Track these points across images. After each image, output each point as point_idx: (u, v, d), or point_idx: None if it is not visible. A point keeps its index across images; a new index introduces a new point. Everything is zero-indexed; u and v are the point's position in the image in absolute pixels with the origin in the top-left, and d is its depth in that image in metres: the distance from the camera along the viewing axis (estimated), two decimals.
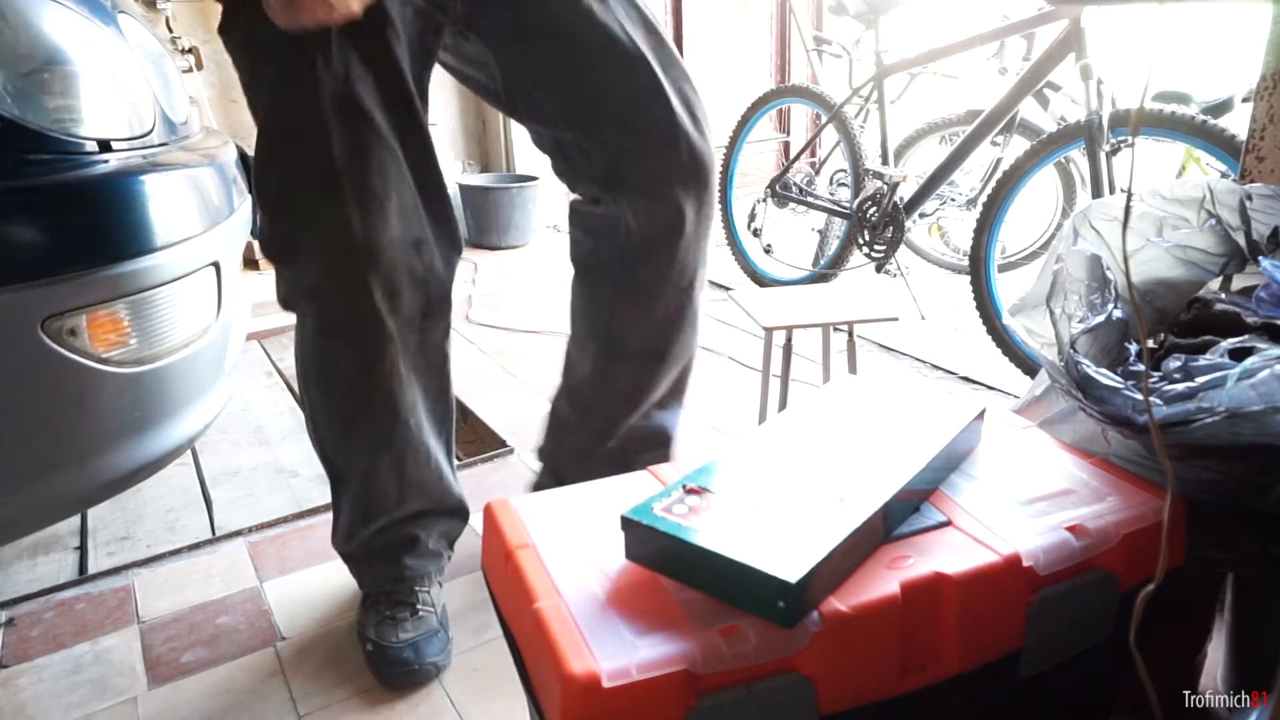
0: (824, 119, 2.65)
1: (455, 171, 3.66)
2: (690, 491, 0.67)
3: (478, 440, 1.82)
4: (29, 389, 0.88)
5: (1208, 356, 0.77)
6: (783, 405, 1.57)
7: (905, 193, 2.41)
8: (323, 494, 1.52)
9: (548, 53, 1.03)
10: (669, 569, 0.64)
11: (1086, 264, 0.87)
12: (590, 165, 1.07)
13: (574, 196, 1.14)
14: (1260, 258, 0.86)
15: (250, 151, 1.37)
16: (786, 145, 4.07)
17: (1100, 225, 0.93)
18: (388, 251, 0.97)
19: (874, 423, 0.80)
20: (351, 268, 0.97)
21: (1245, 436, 0.66)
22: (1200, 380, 0.71)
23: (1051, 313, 0.86)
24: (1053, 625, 0.68)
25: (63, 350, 0.87)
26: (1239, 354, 0.76)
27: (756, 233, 2.85)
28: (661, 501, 0.66)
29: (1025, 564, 0.65)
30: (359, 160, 0.94)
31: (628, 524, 0.65)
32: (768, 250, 2.87)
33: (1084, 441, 0.85)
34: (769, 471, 0.72)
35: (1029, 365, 1.91)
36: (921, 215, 2.57)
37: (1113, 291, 0.85)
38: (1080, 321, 0.83)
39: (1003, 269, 2.45)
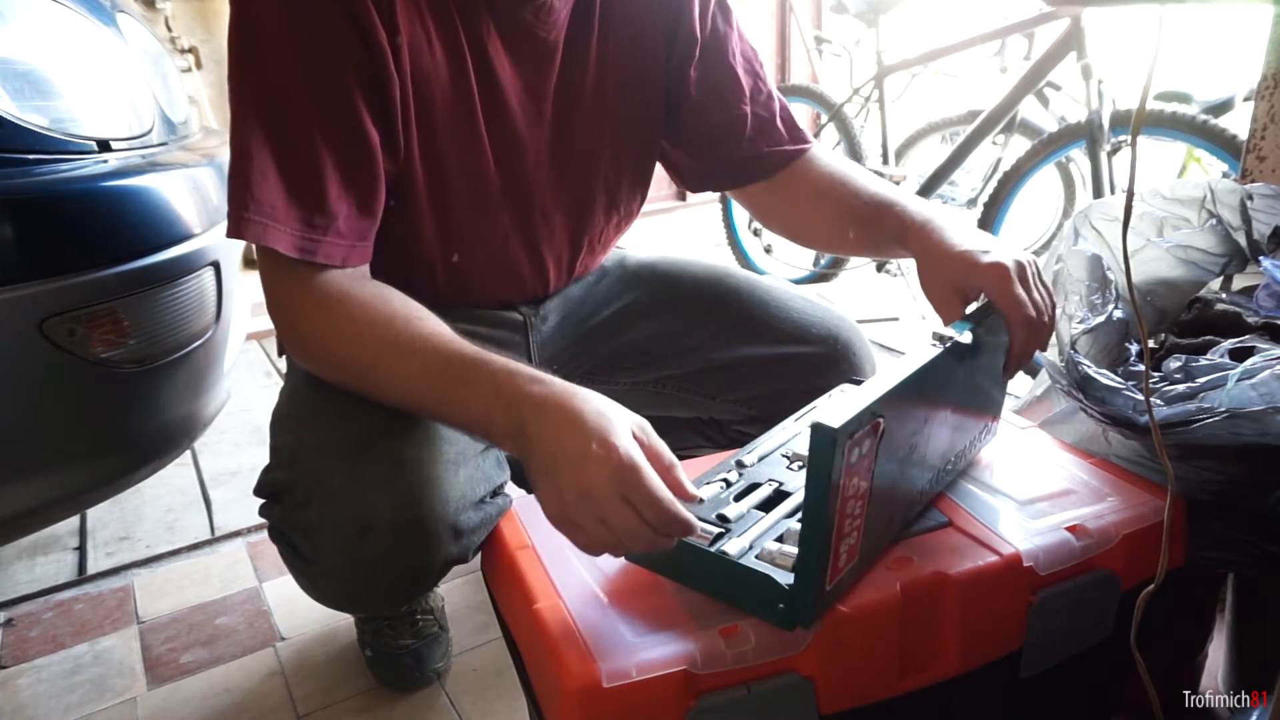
0: (824, 118, 2.65)
1: None
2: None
3: None
4: (28, 389, 0.88)
5: (1208, 357, 0.77)
6: None
7: None
8: None
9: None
10: (669, 569, 0.64)
11: (1087, 264, 0.87)
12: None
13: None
14: (1261, 257, 0.86)
15: None
16: None
17: (1101, 225, 0.93)
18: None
19: None
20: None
21: (1246, 437, 0.65)
22: (1201, 380, 0.71)
23: None
24: (1053, 625, 0.68)
25: (62, 350, 0.87)
26: (1240, 354, 0.76)
27: (757, 232, 2.85)
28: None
29: (1025, 564, 0.65)
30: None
31: None
32: (768, 250, 2.87)
33: (1084, 441, 0.84)
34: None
35: (1030, 365, 1.91)
36: None
37: (1113, 292, 0.85)
38: (1080, 322, 0.83)
39: None
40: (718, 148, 0.97)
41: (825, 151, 0.98)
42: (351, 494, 0.71)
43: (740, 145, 0.97)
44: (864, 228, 0.88)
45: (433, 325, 0.70)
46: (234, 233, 0.70)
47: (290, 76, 0.70)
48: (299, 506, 0.75)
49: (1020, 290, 0.70)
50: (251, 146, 0.70)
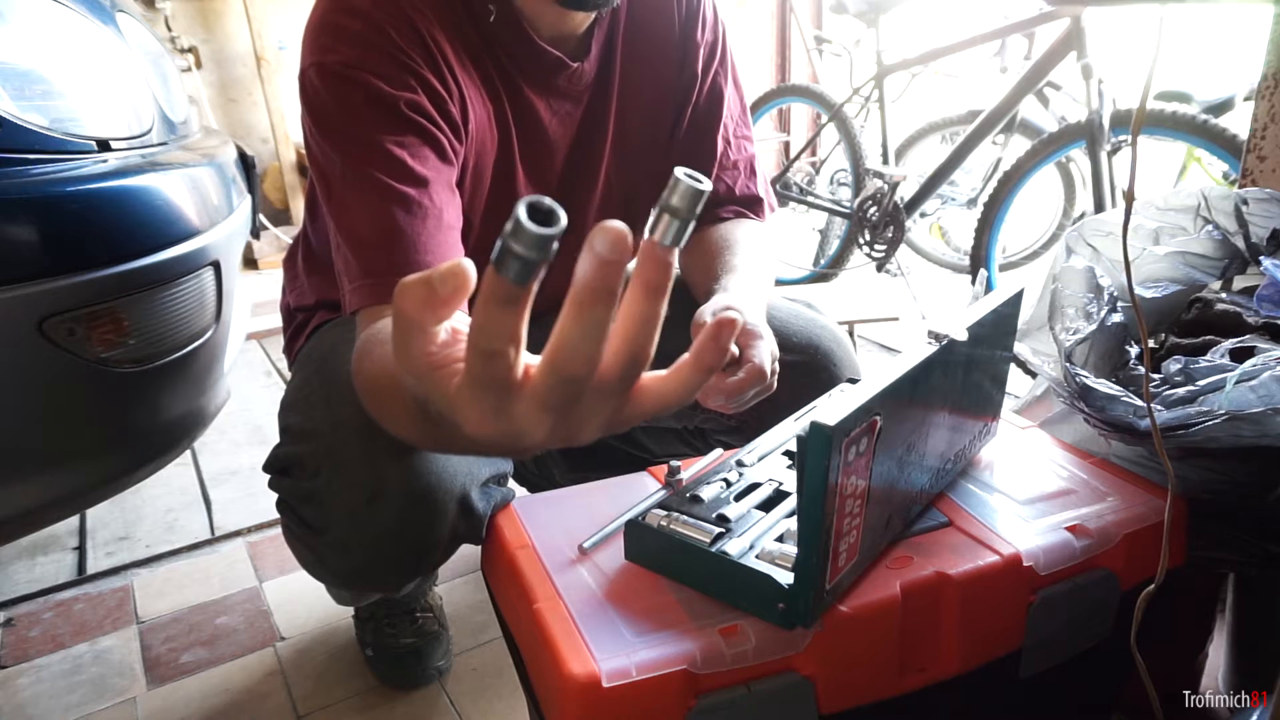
0: (824, 118, 2.65)
1: None
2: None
3: None
4: (28, 389, 0.88)
5: (1208, 358, 0.77)
6: None
7: (906, 192, 2.41)
8: None
9: None
10: (669, 569, 0.64)
11: (1081, 277, 0.87)
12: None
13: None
14: (1261, 258, 0.86)
15: (249, 150, 1.37)
16: (787, 145, 4.07)
17: (1095, 240, 0.93)
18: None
19: None
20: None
21: (1245, 439, 0.66)
22: (1200, 383, 0.71)
23: (1053, 330, 0.86)
24: (1053, 625, 0.68)
25: (62, 350, 0.87)
26: (1240, 354, 0.76)
27: None
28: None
29: (1025, 564, 0.65)
30: None
31: (632, 525, 0.65)
32: None
33: (1084, 441, 0.84)
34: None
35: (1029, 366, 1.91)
36: (922, 215, 2.57)
37: (1108, 297, 0.85)
38: (1075, 333, 0.83)
39: (1004, 268, 2.45)
40: None
41: (741, 224, 1.00)
42: (362, 463, 0.73)
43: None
44: (704, 300, 0.88)
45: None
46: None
47: (368, 154, 0.73)
48: (310, 476, 0.76)
49: (763, 345, 0.71)
50: (342, 222, 0.74)
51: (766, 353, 0.71)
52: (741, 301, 0.78)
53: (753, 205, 1.03)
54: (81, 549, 1.44)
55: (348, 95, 0.73)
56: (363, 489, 0.73)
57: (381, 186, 0.71)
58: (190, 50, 3.11)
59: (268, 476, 0.83)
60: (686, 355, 0.39)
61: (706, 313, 0.75)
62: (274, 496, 0.83)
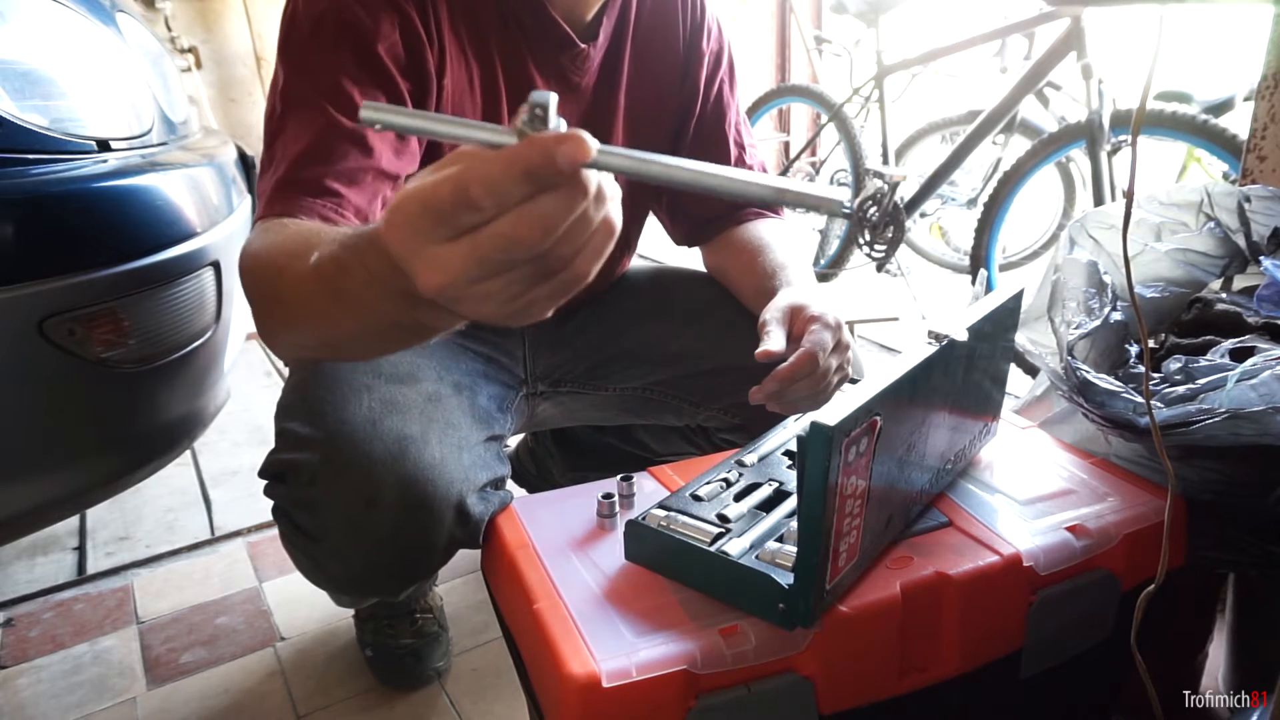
0: (824, 118, 2.65)
1: None
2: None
3: None
4: (28, 389, 0.88)
5: (1208, 357, 0.77)
6: None
7: (906, 192, 2.41)
8: None
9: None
10: (669, 569, 0.64)
11: (1084, 271, 0.87)
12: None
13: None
14: (1261, 257, 0.85)
15: (249, 150, 1.37)
16: (787, 145, 4.07)
17: (1097, 233, 0.93)
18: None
19: None
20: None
21: (1246, 437, 0.65)
22: (1201, 381, 0.71)
23: (1052, 322, 0.86)
24: (1053, 625, 0.68)
25: (61, 350, 0.87)
26: (1240, 354, 0.76)
27: None
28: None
29: (1026, 564, 0.65)
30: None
31: (632, 525, 0.65)
32: None
33: (1085, 441, 0.84)
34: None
35: (1030, 365, 1.91)
36: (922, 215, 2.57)
37: (1110, 295, 0.85)
38: (1077, 327, 0.83)
39: (1004, 268, 2.45)
40: (693, 207, 1.04)
41: (764, 222, 1.03)
42: (358, 470, 0.72)
43: (713, 209, 1.02)
44: (758, 296, 0.89)
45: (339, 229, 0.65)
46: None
47: (328, 86, 0.72)
48: (306, 484, 0.75)
49: (827, 334, 0.75)
50: (275, 144, 0.73)
51: (828, 339, 0.74)
52: (808, 296, 0.80)
53: (772, 206, 1.05)
54: (81, 549, 1.44)
55: (322, 21, 0.73)
56: (359, 497, 0.72)
57: (326, 118, 0.71)
58: (190, 50, 3.11)
59: (259, 502, 0.82)
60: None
61: (773, 309, 0.78)
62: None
